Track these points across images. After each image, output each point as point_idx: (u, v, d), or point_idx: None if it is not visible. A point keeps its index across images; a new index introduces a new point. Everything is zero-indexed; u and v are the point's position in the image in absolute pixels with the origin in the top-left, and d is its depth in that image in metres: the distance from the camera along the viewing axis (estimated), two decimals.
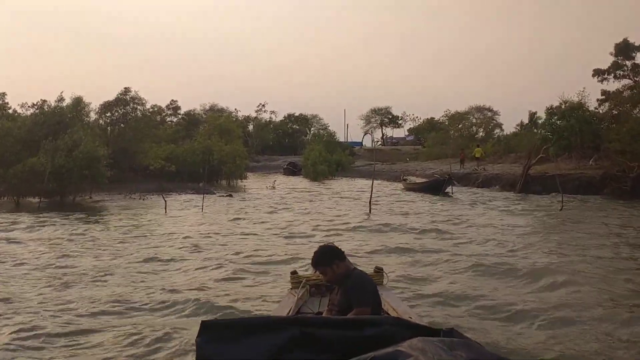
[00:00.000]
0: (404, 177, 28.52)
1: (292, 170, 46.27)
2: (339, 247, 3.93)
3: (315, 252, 3.80)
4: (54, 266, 8.77)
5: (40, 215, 16.19)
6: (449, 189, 25.32)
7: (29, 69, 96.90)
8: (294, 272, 5.18)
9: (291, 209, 18.38)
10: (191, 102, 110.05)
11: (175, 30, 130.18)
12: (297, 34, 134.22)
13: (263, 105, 72.62)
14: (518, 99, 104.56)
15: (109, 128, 29.34)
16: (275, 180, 30.07)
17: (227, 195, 23.49)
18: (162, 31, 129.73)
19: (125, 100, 28.92)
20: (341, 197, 23.46)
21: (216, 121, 38.15)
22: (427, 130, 78.78)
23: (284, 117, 76.43)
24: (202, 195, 23.19)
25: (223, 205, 19.74)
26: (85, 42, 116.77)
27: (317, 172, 38.17)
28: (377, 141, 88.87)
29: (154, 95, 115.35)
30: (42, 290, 7.22)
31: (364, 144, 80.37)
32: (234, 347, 1.63)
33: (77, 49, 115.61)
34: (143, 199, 21.72)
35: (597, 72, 33.34)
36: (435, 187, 25.24)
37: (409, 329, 1.72)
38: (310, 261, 3.91)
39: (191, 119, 66.21)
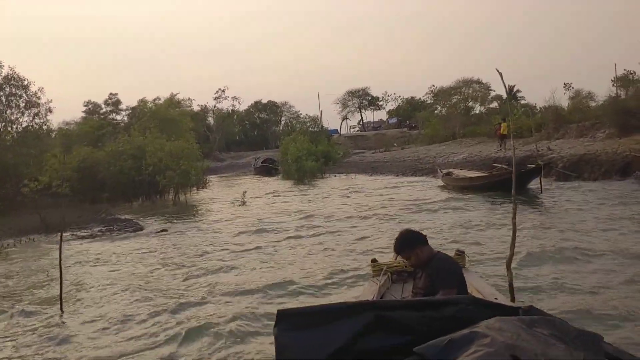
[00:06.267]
0: (447, 171, 18.47)
1: (269, 169, 35.47)
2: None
3: (397, 239, 3.62)
4: None
5: None
6: (534, 184, 15.56)
7: None
8: (374, 260, 4.90)
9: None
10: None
11: (129, 24, 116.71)
12: (263, 17, 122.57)
13: (223, 91, 61.31)
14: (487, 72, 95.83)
15: None
16: (245, 192, 19.23)
17: (160, 231, 12.95)
18: (114, 26, 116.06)
19: None
20: (376, 219, 13.13)
21: (153, 109, 27.16)
22: (409, 110, 70.45)
23: (250, 105, 65.59)
24: (125, 233, 12.94)
25: (141, 267, 9.22)
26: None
27: (303, 171, 27.79)
28: (355, 127, 79.63)
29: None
30: None
31: (340, 131, 70.42)
32: (311, 334, 1.55)
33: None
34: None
35: None
36: (516, 182, 15.30)
37: (487, 308, 1.61)
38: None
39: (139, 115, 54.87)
